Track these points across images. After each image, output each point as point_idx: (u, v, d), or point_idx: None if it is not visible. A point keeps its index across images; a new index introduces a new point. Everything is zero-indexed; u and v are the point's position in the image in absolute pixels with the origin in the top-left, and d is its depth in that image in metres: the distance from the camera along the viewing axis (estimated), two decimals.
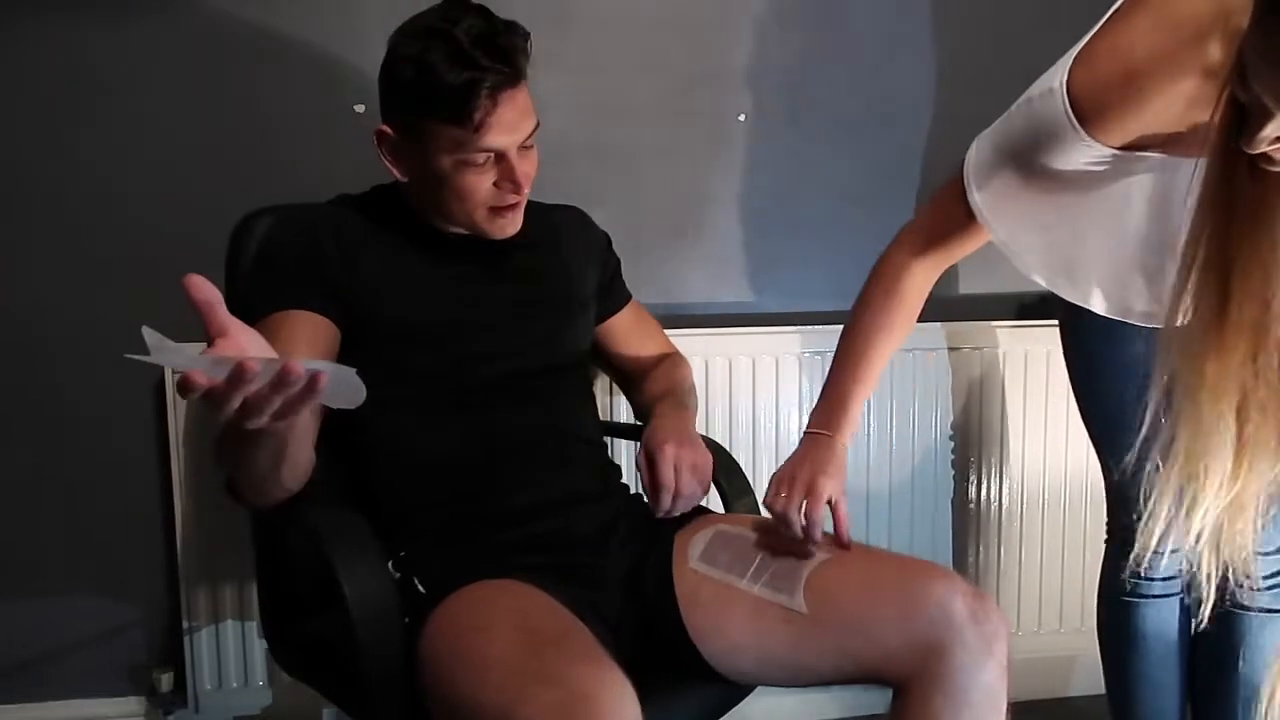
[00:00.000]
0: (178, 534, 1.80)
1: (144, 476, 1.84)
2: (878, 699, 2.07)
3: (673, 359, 1.62)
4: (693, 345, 1.75)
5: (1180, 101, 1.07)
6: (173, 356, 0.82)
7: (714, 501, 1.47)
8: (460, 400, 1.35)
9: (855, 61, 1.98)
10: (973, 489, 2.01)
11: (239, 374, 0.82)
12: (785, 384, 1.92)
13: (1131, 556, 1.34)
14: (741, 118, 1.96)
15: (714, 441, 1.60)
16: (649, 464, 1.36)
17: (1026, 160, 1.17)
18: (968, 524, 2.02)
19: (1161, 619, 1.59)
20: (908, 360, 1.94)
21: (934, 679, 1.14)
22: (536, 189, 1.39)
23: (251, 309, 1.25)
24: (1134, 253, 1.25)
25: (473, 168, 1.32)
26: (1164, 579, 1.56)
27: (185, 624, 1.81)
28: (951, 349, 1.97)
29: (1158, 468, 1.02)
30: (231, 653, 1.83)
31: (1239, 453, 0.65)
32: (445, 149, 1.31)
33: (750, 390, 1.91)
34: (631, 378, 1.62)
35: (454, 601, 1.19)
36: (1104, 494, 1.61)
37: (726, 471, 1.48)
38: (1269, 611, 1.50)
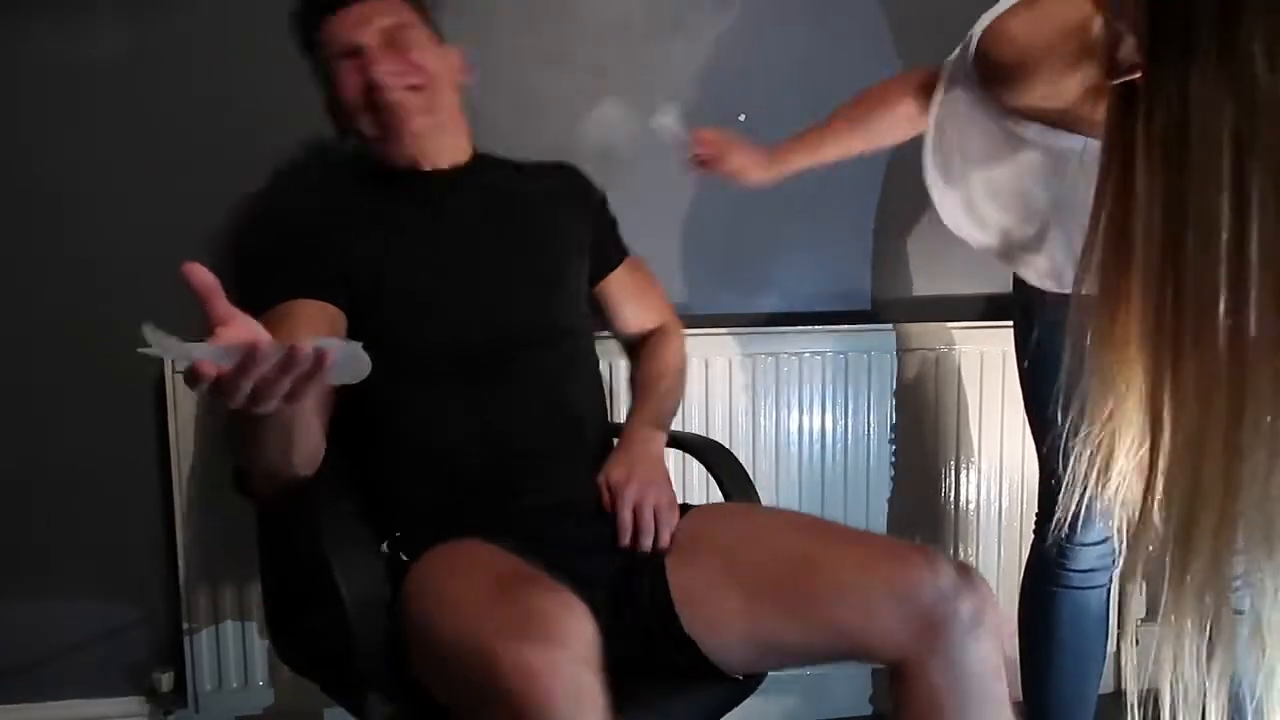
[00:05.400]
0: (178, 534, 1.80)
1: (144, 476, 1.84)
2: (878, 698, 2.08)
3: (662, 334, 1.61)
4: (693, 345, 1.75)
5: (1075, 86, 1.11)
6: (180, 348, 0.83)
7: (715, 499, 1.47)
8: (461, 370, 1.35)
9: (856, 62, 1.98)
10: (974, 490, 2.01)
11: (249, 359, 0.84)
12: (785, 384, 1.92)
13: (1053, 521, 1.38)
14: (742, 118, 1.96)
15: (714, 441, 1.61)
16: (611, 499, 1.36)
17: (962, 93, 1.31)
18: (939, 523, 2.02)
19: (1079, 609, 1.61)
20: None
21: (932, 653, 1.16)
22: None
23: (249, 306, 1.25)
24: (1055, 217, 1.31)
25: (341, 67, 1.40)
26: (1085, 570, 1.59)
27: (185, 624, 1.81)
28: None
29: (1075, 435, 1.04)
30: (231, 653, 1.83)
31: (1151, 412, 0.64)
32: (321, 57, 1.42)
33: (750, 390, 1.91)
34: (628, 348, 1.64)
35: (436, 552, 1.23)
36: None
37: (727, 471, 1.48)
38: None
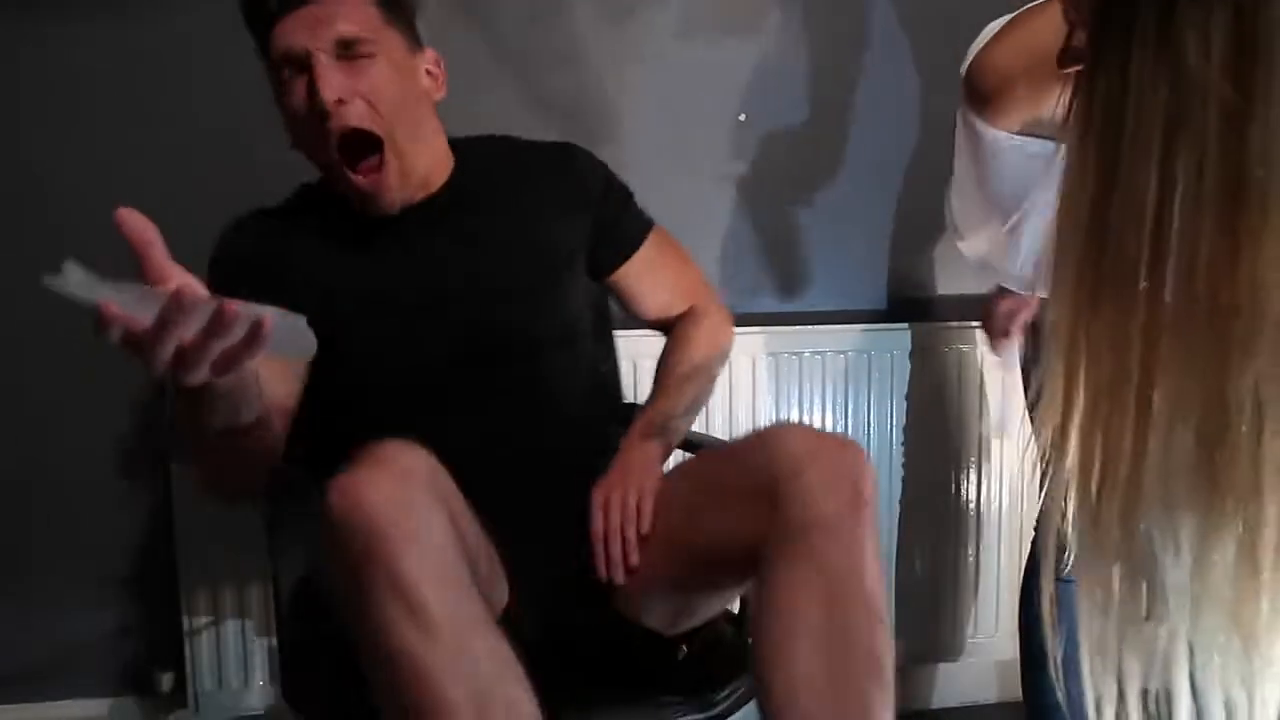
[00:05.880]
0: (177, 534, 1.80)
1: (144, 476, 1.84)
2: None
3: (690, 318, 1.44)
4: None
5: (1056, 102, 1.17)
6: (92, 288, 0.72)
7: None
8: (424, 401, 1.24)
9: (856, 62, 1.98)
10: (960, 489, 2.01)
11: (170, 311, 0.74)
12: (785, 383, 1.92)
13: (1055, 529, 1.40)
14: (742, 118, 1.96)
15: (715, 439, 1.60)
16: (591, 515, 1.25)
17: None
18: (956, 523, 2.02)
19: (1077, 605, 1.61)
20: (881, 361, 1.94)
21: (780, 534, 1.04)
22: None
23: None
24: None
25: (285, 81, 1.18)
26: None
27: (185, 624, 1.81)
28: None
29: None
30: (231, 653, 1.82)
31: (1067, 369, 0.67)
32: (267, 67, 1.20)
33: (750, 390, 1.91)
34: (663, 332, 1.47)
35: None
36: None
37: None
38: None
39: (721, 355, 1.45)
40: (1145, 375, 0.62)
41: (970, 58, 1.27)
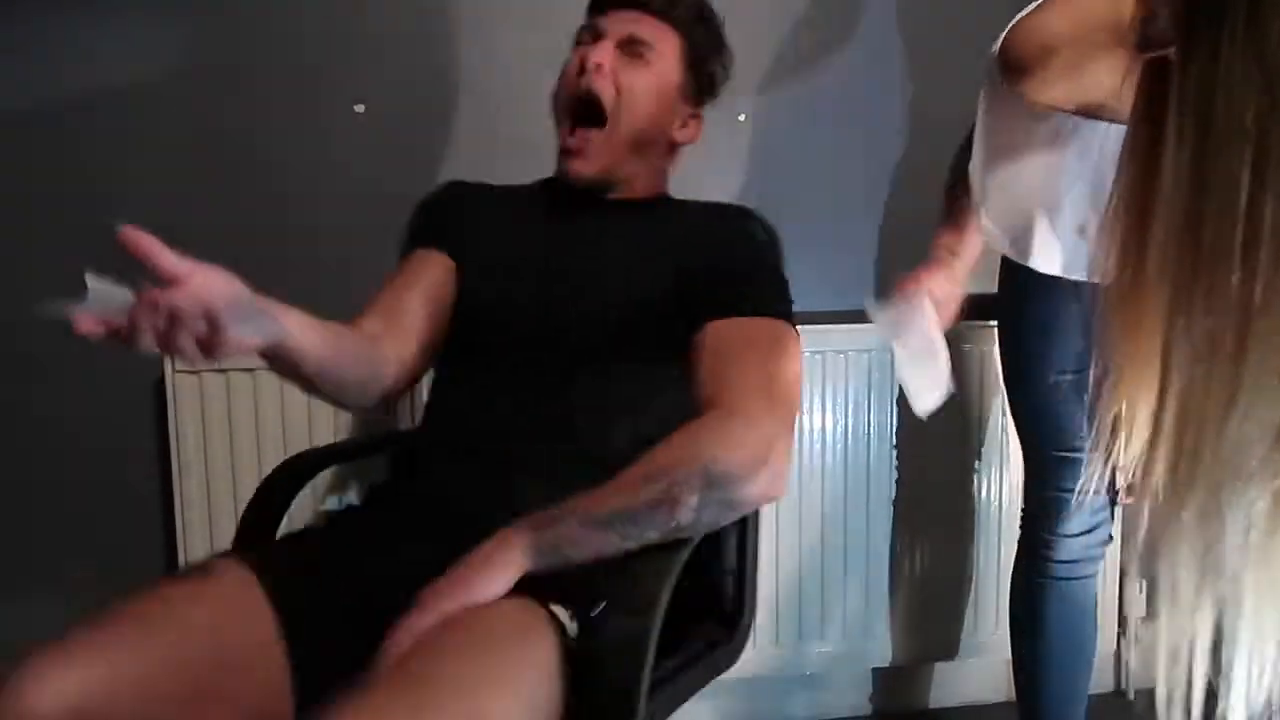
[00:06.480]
0: (178, 533, 1.80)
1: (144, 476, 1.84)
2: (878, 699, 2.08)
3: (704, 415, 1.13)
4: None
5: (1104, 75, 1.17)
6: (92, 302, 0.88)
7: None
8: (489, 360, 1.30)
9: (856, 61, 1.98)
10: (960, 489, 2.01)
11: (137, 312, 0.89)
12: None
13: (1076, 491, 1.41)
14: (741, 118, 1.96)
15: None
16: None
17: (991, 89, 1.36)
18: (953, 523, 2.02)
19: (1066, 601, 1.62)
20: (865, 361, 1.92)
21: None
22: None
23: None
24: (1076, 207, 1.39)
25: (573, 50, 1.37)
26: (1071, 561, 1.61)
27: None
28: (955, 348, 1.96)
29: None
30: None
31: (1163, 364, 0.71)
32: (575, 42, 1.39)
33: None
34: None
35: None
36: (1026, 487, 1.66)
37: None
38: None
39: (707, 476, 1.05)
40: (1238, 352, 0.64)
41: (1010, 26, 1.26)
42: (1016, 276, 1.56)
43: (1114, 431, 0.74)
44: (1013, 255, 1.51)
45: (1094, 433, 0.83)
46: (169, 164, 1.79)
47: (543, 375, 1.26)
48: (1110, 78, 1.18)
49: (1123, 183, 0.71)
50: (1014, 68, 1.25)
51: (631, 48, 1.34)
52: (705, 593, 1.31)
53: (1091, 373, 1.00)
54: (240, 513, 1.41)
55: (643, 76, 1.34)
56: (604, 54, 1.32)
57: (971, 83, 1.44)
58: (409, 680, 0.86)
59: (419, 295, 1.32)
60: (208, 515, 1.78)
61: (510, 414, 1.25)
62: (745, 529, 1.33)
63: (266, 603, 1.04)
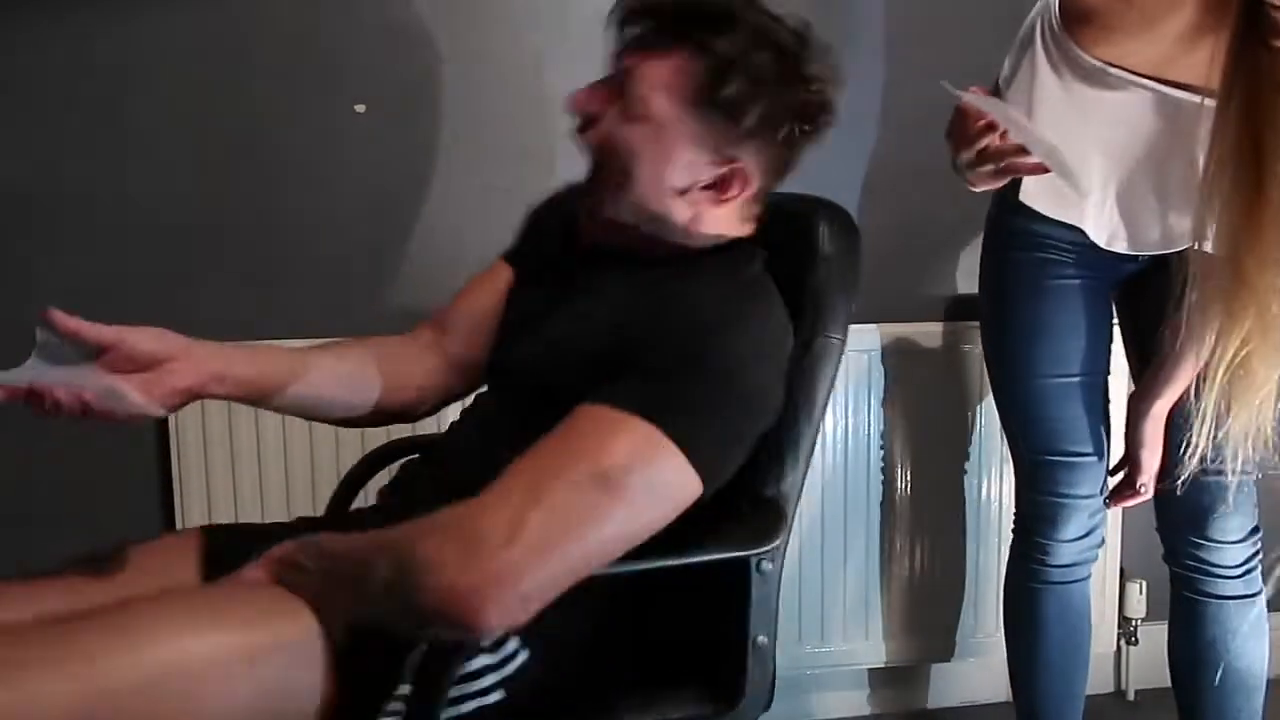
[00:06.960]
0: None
1: (144, 476, 1.84)
2: (877, 699, 2.08)
3: (444, 516, 0.95)
4: None
5: (1170, 29, 1.24)
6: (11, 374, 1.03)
7: None
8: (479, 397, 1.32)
9: (855, 61, 1.98)
10: (981, 490, 2.01)
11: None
12: None
13: (1184, 448, 1.32)
14: None
15: None
16: None
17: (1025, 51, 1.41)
18: (952, 523, 2.02)
19: (1061, 604, 1.62)
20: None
21: None
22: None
23: None
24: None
25: None
26: (1065, 565, 1.61)
27: None
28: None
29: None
30: None
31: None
32: None
33: None
34: None
35: None
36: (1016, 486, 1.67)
37: None
38: (1243, 598, 1.53)
39: (404, 586, 0.92)
40: None
41: None
42: (1000, 279, 1.56)
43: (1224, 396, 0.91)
44: (1058, 214, 1.47)
45: (1201, 402, 1.04)
46: (169, 164, 1.79)
47: (501, 413, 1.22)
48: (1175, 32, 1.21)
49: (1219, 149, 0.86)
50: (1078, 16, 1.30)
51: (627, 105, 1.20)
52: (693, 659, 1.18)
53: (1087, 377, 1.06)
54: (239, 515, 1.41)
55: (627, 128, 1.16)
56: (579, 96, 1.20)
57: (944, 71, 1.43)
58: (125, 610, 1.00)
59: (471, 305, 1.33)
60: (208, 516, 1.78)
61: (473, 445, 1.21)
62: (748, 594, 1.13)
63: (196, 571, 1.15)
